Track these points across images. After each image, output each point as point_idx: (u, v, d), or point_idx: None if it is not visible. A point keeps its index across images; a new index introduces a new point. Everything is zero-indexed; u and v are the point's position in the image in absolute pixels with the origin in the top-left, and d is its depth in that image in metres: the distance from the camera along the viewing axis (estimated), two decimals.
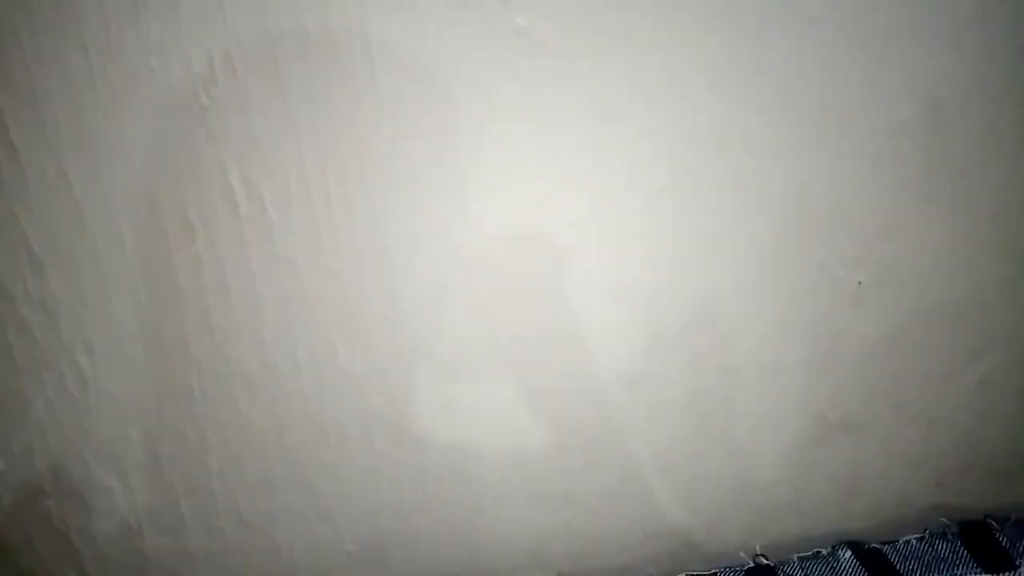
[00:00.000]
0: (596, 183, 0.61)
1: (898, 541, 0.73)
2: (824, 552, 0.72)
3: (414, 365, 0.64)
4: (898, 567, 0.70)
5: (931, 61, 0.61)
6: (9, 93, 0.53)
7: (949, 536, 0.72)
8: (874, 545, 0.72)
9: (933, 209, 0.66)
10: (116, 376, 0.60)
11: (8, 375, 0.59)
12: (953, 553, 0.70)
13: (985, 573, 0.68)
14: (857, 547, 0.72)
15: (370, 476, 0.67)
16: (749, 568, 0.71)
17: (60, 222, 0.56)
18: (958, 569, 0.69)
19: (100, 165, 0.55)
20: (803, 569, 0.71)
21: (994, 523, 0.72)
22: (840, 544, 0.73)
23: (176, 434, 0.63)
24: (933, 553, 0.71)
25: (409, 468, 0.67)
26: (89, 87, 0.53)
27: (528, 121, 0.59)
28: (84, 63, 0.53)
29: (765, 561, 0.72)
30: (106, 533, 0.64)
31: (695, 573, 0.71)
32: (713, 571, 0.71)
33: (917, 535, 0.73)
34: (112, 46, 0.53)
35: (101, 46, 0.53)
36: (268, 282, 0.60)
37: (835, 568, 0.70)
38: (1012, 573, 0.68)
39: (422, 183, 0.59)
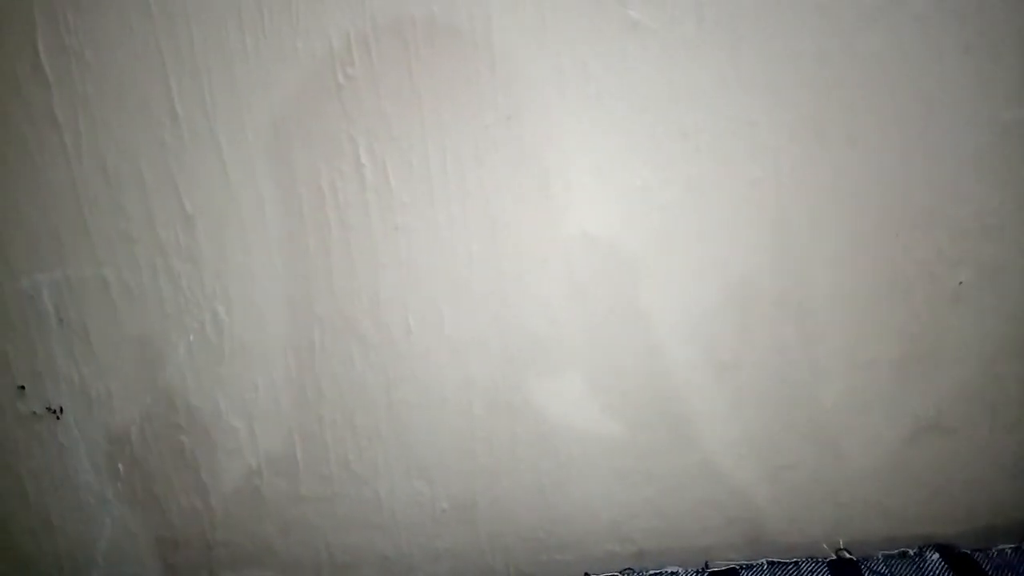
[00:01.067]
0: (694, 170, 0.64)
1: (991, 549, 0.71)
2: (911, 552, 0.71)
3: (512, 336, 0.68)
4: (989, 573, 0.69)
5: None
6: (176, 67, 0.60)
7: None
8: (964, 551, 0.71)
9: None
10: (249, 327, 0.67)
11: (157, 319, 0.67)
12: None
13: None
14: (946, 551, 0.71)
15: (466, 439, 0.71)
16: (831, 561, 0.72)
17: (210, 183, 0.63)
18: None
19: (247, 133, 0.62)
20: (888, 567, 0.70)
21: None
22: (928, 546, 0.72)
23: (296, 385, 0.69)
24: None
25: (502, 434, 0.71)
26: (243, 63, 0.60)
27: (632, 108, 0.62)
28: (240, 42, 0.60)
29: (848, 555, 0.72)
30: (229, 471, 0.71)
31: (776, 560, 0.72)
32: (795, 560, 0.72)
33: (1012, 545, 0.71)
34: (265, 27, 0.59)
35: (256, 27, 0.59)
36: (386, 249, 0.65)
37: (921, 569, 0.70)
38: None
39: (530, 163, 0.63)
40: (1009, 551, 0.71)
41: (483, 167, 0.63)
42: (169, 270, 0.65)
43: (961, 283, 0.67)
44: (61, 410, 0.69)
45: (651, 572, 0.72)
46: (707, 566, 0.73)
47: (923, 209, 0.65)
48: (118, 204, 0.63)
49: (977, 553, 0.71)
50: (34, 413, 0.69)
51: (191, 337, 0.67)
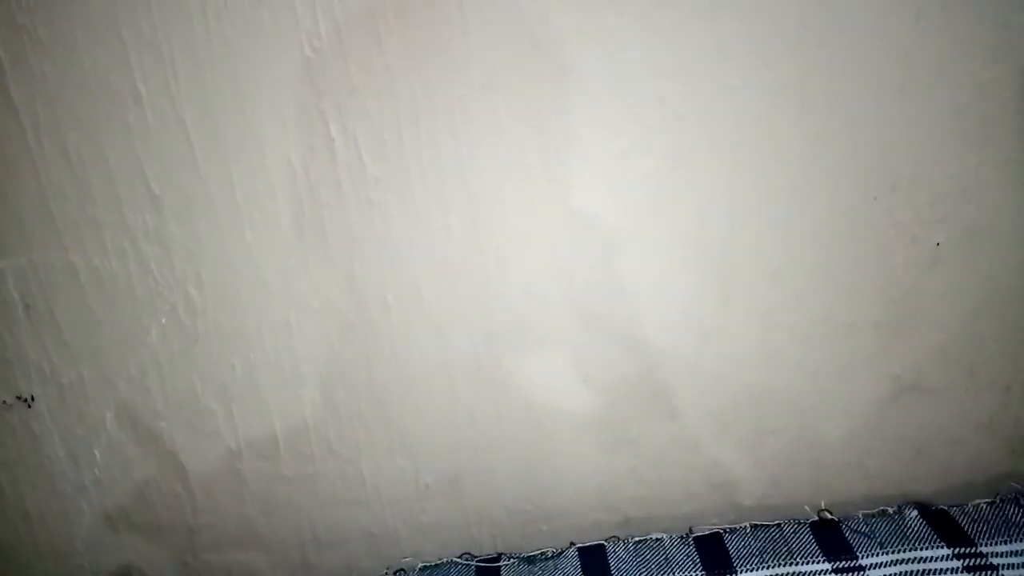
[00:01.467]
0: (676, 138, 0.63)
1: (967, 505, 0.73)
2: (890, 510, 0.73)
3: (494, 311, 0.68)
4: (966, 529, 0.70)
5: None
6: (136, 44, 0.58)
7: (1021, 502, 0.72)
8: (942, 507, 0.72)
9: (1016, 171, 0.65)
10: (222, 308, 0.66)
11: (128, 304, 0.65)
12: None
13: None
14: (924, 508, 0.72)
15: (449, 414, 0.71)
16: (813, 522, 0.73)
17: (177, 164, 0.61)
18: None
19: (213, 112, 0.60)
20: (868, 526, 0.71)
21: None
22: (907, 504, 0.73)
23: (273, 365, 0.68)
24: (1003, 517, 0.71)
25: (486, 408, 0.71)
26: (205, 38, 0.58)
27: (611, 75, 0.61)
28: (202, 15, 0.57)
29: (830, 516, 0.73)
30: (209, 453, 0.70)
31: (760, 523, 0.73)
32: (777, 522, 0.73)
33: (987, 499, 0.73)
34: (228, 2, 0.57)
35: (219, 3, 0.57)
36: (361, 225, 0.64)
37: (901, 526, 0.71)
38: None
39: (507, 134, 0.62)
40: (984, 506, 0.73)
41: (458, 139, 0.62)
42: (138, 253, 0.63)
43: (939, 244, 0.67)
44: (32, 398, 0.67)
45: (636, 539, 0.73)
46: (691, 531, 0.73)
47: (902, 172, 0.65)
48: (83, 187, 0.61)
49: (954, 509, 0.72)
50: (4, 403, 0.67)
51: (163, 320, 0.66)
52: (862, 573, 0.67)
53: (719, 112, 0.62)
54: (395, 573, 0.73)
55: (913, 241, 0.67)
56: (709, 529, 0.73)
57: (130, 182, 0.61)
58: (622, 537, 0.73)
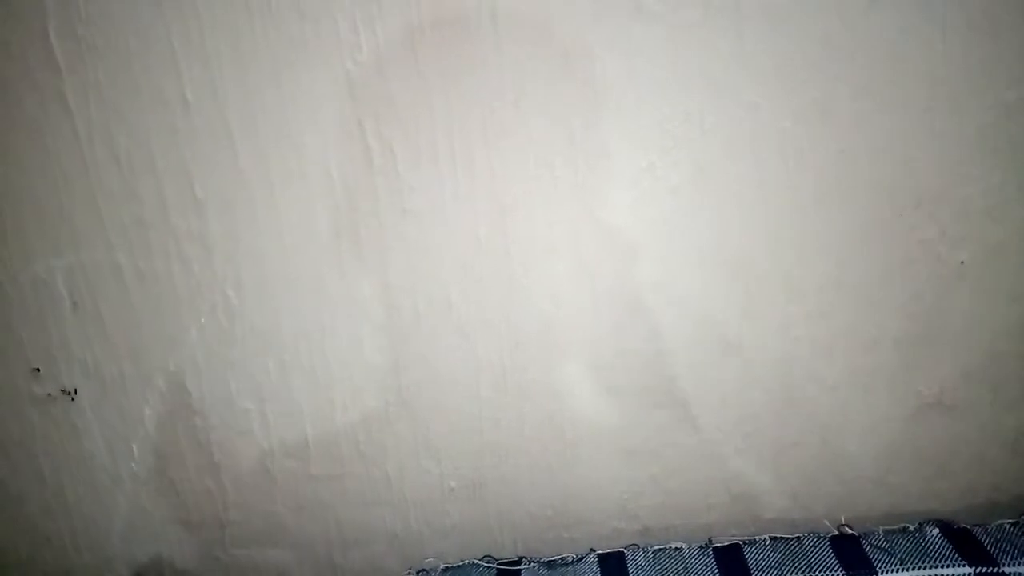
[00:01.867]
0: (700, 153, 0.64)
1: (989, 524, 0.72)
2: (911, 528, 0.73)
3: (520, 319, 0.69)
4: (988, 548, 0.70)
5: None
6: (186, 53, 0.61)
7: None
8: (964, 526, 0.72)
9: None
10: (259, 310, 0.68)
11: (169, 303, 0.67)
12: None
13: None
14: (946, 526, 0.72)
15: (474, 419, 0.72)
16: (833, 536, 0.73)
17: (220, 168, 0.64)
18: None
19: (258, 119, 0.62)
20: (889, 542, 0.71)
21: None
22: (928, 521, 0.73)
23: (307, 367, 0.70)
24: None
25: (510, 414, 0.72)
26: (251, 50, 0.61)
27: (639, 90, 0.62)
28: (249, 27, 0.60)
29: (850, 531, 0.73)
30: (242, 451, 0.72)
31: (779, 536, 0.73)
32: (797, 536, 0.73)
33: (1010, 520, 0.73)
34: (273, 13, 0.60)
35: (264, 12, 0.60)
36: (395, 233, 0.66)
37: (922, 544, 0.71)
38: None
39: (537, 146, 0.64)
40: (1008, 526, 0.72)
41: (491, 151, 0.64)
42: (181, 254, 0.66)
43: (963, 263, 0.68)
44: (75, 392, 0.70)
45: (655, 548, 0.74)
46: (710, 542, 0.74)
47: (927, 189, 0.65)
48: (131, 190, 0.64)
49: (976, 528, 0.72)
50: (49, 395, 0.70)
51: (203, 320, 0.68)
52: None
53: (743, 128, 0.63)
54: (418, 573, 0.74)
55: (937, 259, 0.68)
56: (728, 540, 0.74)
57: (176, 185, 0.64)
58: (641, 545, 0.74)
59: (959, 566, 0.68)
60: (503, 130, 0.63)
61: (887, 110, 0.63)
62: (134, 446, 0.72)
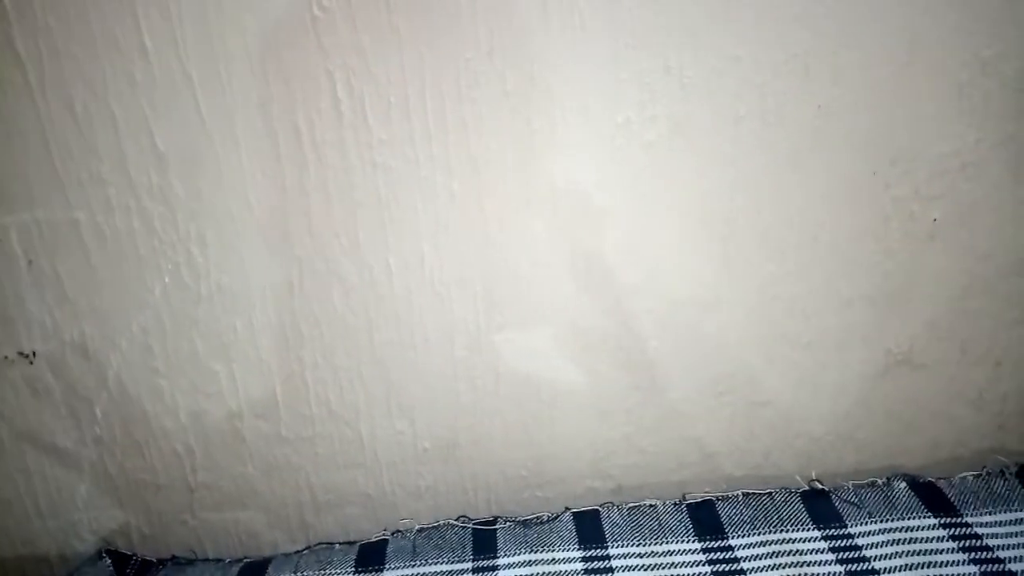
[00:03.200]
0: (679, 108, 0.63)
1: (954, 477, 0.74)
2: (879, 482, 0.74)
3: (495, 278, 0.68)
4: (953, 500, 0.71)
5: None
6: (145, 2, 0.57)
7: (1007, 475, 0.73)
8: (929, 479, 0.74)
9: (1015, 149, 0.66)
10: (225, 269, 0.66)
11: (131, 262, 0.65)
12: (1010, 491, 0.72)
13: None
14: (912, 480, 0.74)
15: (449, 379, 0.72)
16: (804, 492, 0.74)
17: (182, 121, 0.61)
18: (1014, 505, 0.70)
19: (220, 69, 0.60)
20: (858, 496, 0.73)
21: None
22: (895, 476, 0.75)
23: (276, 327, 0.68)
24: (989, 490, 0.72)
25: (485, 374, 0.72)
26: None
27: (617, 43, 0.61)
28: None
29: (820, 486, 0.74)
30: (210, 413, 0.71)
31: (751, 492, 0.74)
32: (769, 491, 0.74)
33: (973, 472, 0.74)
34: None
35: None
36: (366, 188, 0.64)
37: (890, 497, 0.72)
38: None
39: (512, 99, 0.62)
40: (971, 478, 0.74)
41: (464, 104, 0.62)
42: (142, 212, 0.64)
43: (936, 220, 0.68)
44: (34, 354, 0.68)
45: (630, 505, 0.74)
46: (684, 498, 0.75)
47: (902, 147, 0.65)
48: (88, 144, 0.61)
49: (941, 481, 0.74)
50: (6, 358, 0.68)
51: (166, 279, 0.66)
52: (851, 540, 0.69)
53: (723, 82, 0.62)
54: (393, 534, 0.74)
55: (910, 216, 0.68)
56: (702, 497, 0.75)
57: (136, 139, 0.61)
58: (616, 503, 0.74)
59: (925, 517, 0.70)
60: (476, 81, 0.61)
61: (866, 66, 0.62)
62: (97, 409, 0.70)
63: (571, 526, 0.72)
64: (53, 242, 0.64)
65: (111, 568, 0.70)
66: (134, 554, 0.74)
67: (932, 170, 0.66)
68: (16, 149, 0.61)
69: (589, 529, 0.72)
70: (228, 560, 0.75)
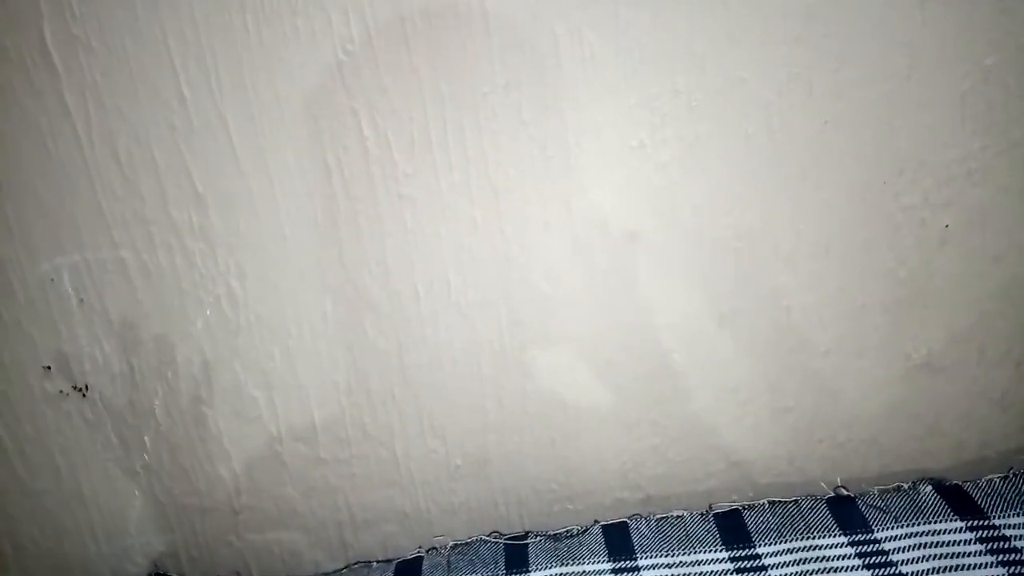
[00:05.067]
0: (689, 129, 0.66)
1: (980, 479, 0.75)
2: (905, 486, 0.75)
3: (518, 298, 0.71)
4: (980, 503, 0.72)
5: None
6: (181, 51, 0.62)
7: None
8: (955, 482, 0.74)
9: (1021, 154, 0.67)
10: (263, 300, 0.69)
11: (174, 296, 0.69)
12: None
13: None
14: (938, 483, 0.74)
15: (477, 397, 0.74)
16: (829, 498, 0.75)
17: (219, 163, 0.65)
18: None
19: (253, 113, 0.64)
20: (884, 501, 0.74)
21: None
22: (921, 480, 0.75)
23: (311, 353, 0.72)
24: (1016, 491, 0.72)
25: (512, 392, 0.74)
26: (246, 45, 0.62)
27: (626, 70, 0.64)
28: (242, 23, 0.61)
29: (846, 492, 0.75)
30: (252, 437, 0.74)
31: (777, 500, 0.75)
32: (794, 499, 0.75)
33: (1000, 474, 0.75)
34: (266, 8, 0.61)
35: (257, 7, 0.61)
36: (392, 219, 0.67)
37: (916, 501, 0.73)
38: None
39: (529, 129, 0.65)
40: (997, 480, 0.74)
41: (483, 135, 0.65)
42: (184, 249, 0.67)
43: (947, 226, 0.69)
44: (87, 387, 0.71)
45: (658, 516, 0.76)
46: (711, 508, 0.76)
47: (910, 156, 0.67)
48: (132, 187, 0.65)
49: (967, 483, 0.74)
50: (61, 392, 0.72)
51: (208, 312, 0.69)
52: (878, 545, 0.69)
53: (730, 103, 0.64)
54: (428, 551, 0.76)
55: (922, 224, 0.69)
56: (728, 506, 0.76)
57: (176, 181, 0.65)
58: (644, 515, 0.76)
59: (952, 521, 0.70)
60: (494, 114, 0.64)
61: (869, 81, 0.64)
62: (146, 438, 0.73)
63: (600, 539, 0.74)
64: (101, 280, 0.68)
65: None
66: None
67: (940, 178, 0.68)
68: (65, 194, 0.65)
69: (618, 541, 0.73)
70: None
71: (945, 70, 0.65)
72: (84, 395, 0.72)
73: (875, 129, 0.66)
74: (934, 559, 0.67)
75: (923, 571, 0.66)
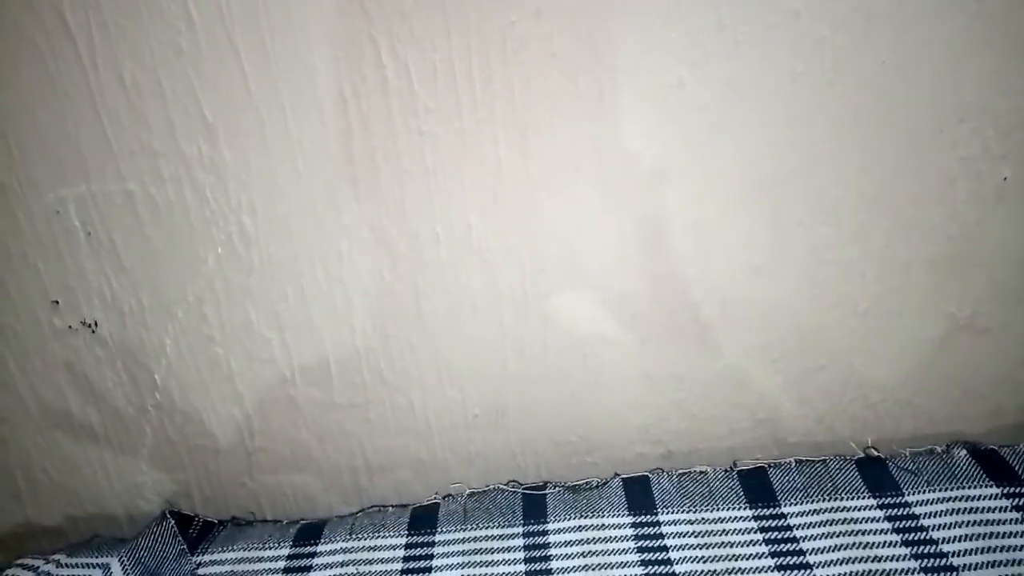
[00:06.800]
0: (733, 67, 0.61)
1: (1018, 445, 0.72)
2: (938, 449, 0.72)
3: (543, 244, 0.68)
4: (1017, 469, 0.69)
5: None
6: None
7: None
8: (991, 447, 0.72)
9: None
10: (275, 238, 0.66)
11: (185, 233, 0.66)
12: None
13: None
14: (973, 447, 0.72)
15: (497, 347, 0.72)
16: (859, 459, 0.73)
17: (230, 91, 0.61)
18: None
19: (265, 38, 0.59)
20: (915, 463, 0.71)
21: None
22: (955, 443, 0.72)
23: (325, 295, 0.69)
24: None
25: (533, 342, 0.71)
26: None
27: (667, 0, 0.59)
28: None
29: (876, 453, 0.73)
30: (264, 379, 0.72)
31: (804, 459, 0.73)
32: (823, 458, 0.73)
33: None
34: None
35: None
36: (411, 156, 0.64)
37: (949, 465, 0.70)
38: None
39: (559, 61, 0.61)
40: None
41: (510, 68, 0.61)
42: (193, 182, 0.64)
43: (1006, 179, 0.65)
44: (96, 324, 0.69)
45: (680, 471, 0.74)
46: (735, 465, 0.74)
47: (971, 103, 0.62)
48: (139, 115, 0.62)
49: (1004, 449, 0.71)
50: (69, 327, 0.70)
51: (219, 249, 0.67)
52: (908, 509, 0.67)
53: (780, 38, 0.60)
54: (444, 498, 0.75)
55: (978, 177, 0.65)
56: (753, 463, 0.74)
57: (184, 109, 0.62)
58: (666, 469, 0.74)
59: (987, 486, 0.68)
60: (523, 44, 0.60)
61: (933, 17, 0.59)
62: (156, 377, 0.72)
63: (621, 492, 0.72)
64: (109, 213, 0.65)
65: (175, 528, 0.73)
66: (196, 515, 0.77)
67: (1002, 127, 0.63)
68: (69, 122, 0.62)
69: (639, 495, 0.72)
70: (285, 521, 0.77)
71: (1015, 8, 0.59)
72: (93, 331, 0.70)
73: (936, 72, 0.61)
74: (967, 525, 0.65)
75: (955, 537, 0.64)
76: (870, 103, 0.62)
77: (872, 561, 0.63)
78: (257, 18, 0.59)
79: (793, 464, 0.73)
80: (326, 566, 0.69)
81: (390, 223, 0.66)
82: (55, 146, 0.63)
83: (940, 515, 0.66)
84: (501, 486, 0.75)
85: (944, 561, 0.62)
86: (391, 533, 0.72)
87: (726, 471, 0.73)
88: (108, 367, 0.71)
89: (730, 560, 0.65)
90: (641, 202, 0.66)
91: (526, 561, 0.67)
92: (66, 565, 0.68)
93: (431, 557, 0.69)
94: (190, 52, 0.60)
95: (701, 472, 0.73)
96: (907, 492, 0.69)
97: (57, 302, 0.69)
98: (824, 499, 0.69)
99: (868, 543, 0.64)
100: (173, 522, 0.73)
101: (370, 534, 0.72)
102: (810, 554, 0.65)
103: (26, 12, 0.58)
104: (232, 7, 0.58)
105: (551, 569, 0.66)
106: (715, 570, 0.64)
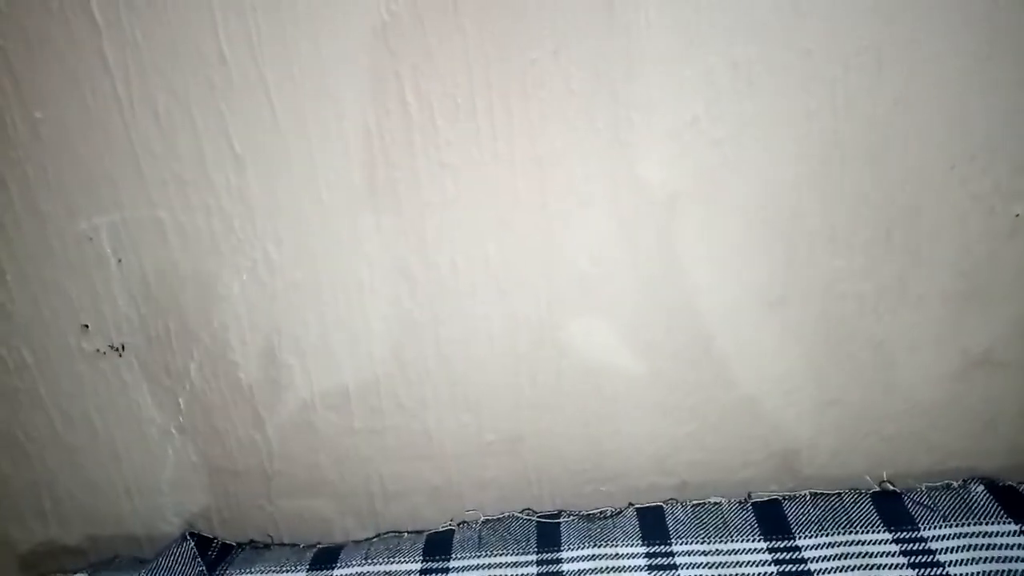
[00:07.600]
0: (747, 104, 0.62)
1: None
2: (955, 484, 0.72)
3: (558, 274, 0.69)
4: None
5: None
6: (224, 12, 0.60)
7: None
8: (1009, 483, 0.71)
9: None
10: (299, 266, 0.68)
11: (211, 259, 0.68)
12: None
13: None
14: (991, 483, 0.71)
15: (512, 374, 0.73)
16: (874, 493, 0.73)
17: (258, 123, 0.64)
18: None
19: (294, 73, 0.62)
20: (932, 498, 0.71)
21: None
22: (972, 479, 0.72)
23: (346, 322, 0.70)
24: None
25: (548, 370, 0.72)
26: (289, 3, 0.60)
27: (683, 40, 0.60)
28: None
29: (891, 487, 0.73)
30: (285, 404, 0.74)
31: (819, 492, 0.73)
32: (838, 491, 0.73)
33: None
34: None
35: None
36: (432, 187, 0.65)
37: (966, 500, 0.70)
38: None
39: (576, 98, 0.62)
40: None
41: (529, 103, 0.62)
42: (221, 211, 0.66)
43: (1018, 216, 0.65)
44: (123, 347, 0.71)
45: (694, 502, 0.74)
46: (750, 497, 0.74)
47: (982, 141, 0.63)
48: (170, 146, 0.64)
49: (1022, 485, 0.71)
50: (98, 351, 0.72)
51: (244, 276, 0.69)
52: (924, 544, 0.67)
53: (793, 77, 0.61)
54: (459, 525, 0.76)
55: (990, 212, 0.65)
56: (768, 495, 0.74)
57: (214, 141, 0.64)
58: (680, 500, 0.74)
59: (1005, 523, 0.67)
60: (542, 82, 0.62)
61: (944, 57, 0.60)
62: (180, 400, 0.73)
63: (635, 521, 0.72)
64: (139, 240, 0.68)
65: (195, 550, 0.74)
66: (215, 537, 0.78)
67: (1014, 164, 0.63)
68: (104, 152, 0.65)
69: (653, 525, 0.72)
70: (302, 545, 0.78)
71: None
72: (120, 354, 0.72)
73: (947, 111, 0.62)
74: (984, 562, 0.64)
75: (972, 573, 0.64)
76: (882, 140, 0.63)
77: None
78: (287, 55, 0.61)
79: (808, 497, 0.73)
80: None
81: (410, 252, 0.68)
82: (90, 176, 0.65)
83: (956, 551, 0.66)
84: (516, 514, 0.76)
85: None
86: (406, 558, 0.72)
87: (740, 503, 0.73)
88: (134, 390, 0.73)
89: None
90: (656, 234, 0.67)
91: None
92: None
93: None
94: (222, 86, 0.62)
95: (715, 503, 0.74)
96: (923, 527, 0.68)
97: (87, 326, 0.71)
98: (839, 532, 0.69)
99: None
100: (193, 544, 0.74)
101: (385, 559, 0.73)
102: None
103: (68, 48, 0.61)
104: (263, 44, 0.61)
105: None
106: None
